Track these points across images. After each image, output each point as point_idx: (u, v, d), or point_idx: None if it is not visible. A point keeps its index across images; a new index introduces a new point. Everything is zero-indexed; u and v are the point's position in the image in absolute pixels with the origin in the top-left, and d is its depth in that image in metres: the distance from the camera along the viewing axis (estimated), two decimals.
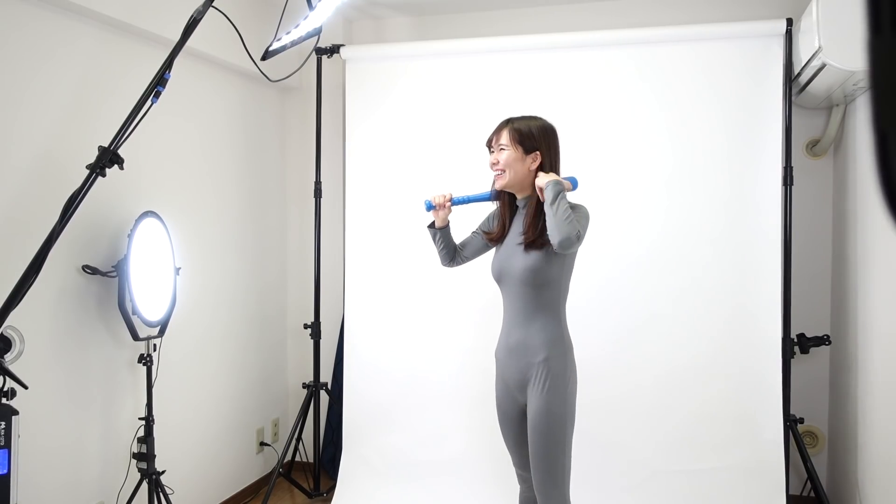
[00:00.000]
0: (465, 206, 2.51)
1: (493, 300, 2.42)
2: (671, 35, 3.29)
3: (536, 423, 2.17)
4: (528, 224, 2.24)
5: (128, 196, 2.80)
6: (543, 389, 2.17)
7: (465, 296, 3.38)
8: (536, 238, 2.20)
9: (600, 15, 3.65)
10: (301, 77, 3.82)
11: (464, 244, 2.52)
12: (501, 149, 2.26)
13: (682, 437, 3.20)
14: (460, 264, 2.55)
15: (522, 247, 2.23)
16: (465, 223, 2.64)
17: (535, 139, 2.26)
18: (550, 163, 2.28)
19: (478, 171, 2.81)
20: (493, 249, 2.43)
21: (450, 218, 2.50)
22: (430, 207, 2.46)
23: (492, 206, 2.48)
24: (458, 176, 3.18)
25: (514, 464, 2.39)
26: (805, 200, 3.40)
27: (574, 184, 2.36)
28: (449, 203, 2.44)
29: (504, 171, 2.26)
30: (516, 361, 2.25)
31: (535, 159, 2.26)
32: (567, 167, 2.37)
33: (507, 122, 2.30)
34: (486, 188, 2.45)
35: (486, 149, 2.35)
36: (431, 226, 2.50)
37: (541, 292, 2.20)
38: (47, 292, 2.41)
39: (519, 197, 2.32)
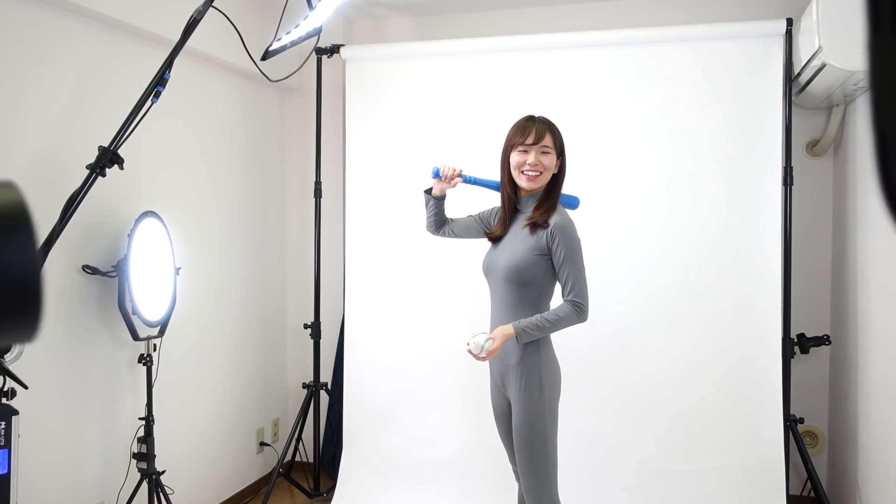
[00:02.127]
0: (472, 187, 2.49)
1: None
2: (671, 35, 3.29)
3: (517, 425, 2.20)
4: (535, 208, 2.26)
5: (128, 196, 2.80)
6: (520, 392, 2.20)
7: (465, 295, 3.38)
8: (539, 219, 2.22)
9: (600, 15, 3.65)
10: (301, 77, 3.82)
11: (456, 220, 2.53)
12: (546, 151, 2.24)
13: (681, 437, 3.20)
14: (446, 237, 2.56)
15: (527, 230, 2.24)
16: (466, 206, 2.62)
17: (564, 147, 2.31)
18: (565, 167, 2.31)
19: (478, 170, 2.80)
20: (486, 242, 2.44)
21: (450, 192, 2.49)
22: (435, 175, 2.44)
23: (495, 196, 2.47)
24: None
25: (510, 460, 2.41)
26: (805, 200, 3.40)
27: (575, 203, 2.38)
28: (458, 178, 2.42)
29: (542, 174, 2.24)
30: (498, 361, 2.30)
31: (557, 166, 2.29)
32: (568, 167, 2.37)
33: (545, 124, 2.27)
34: (496, 176, 2.43)
35: (513, 144, 2.27)
36: (428, 192, 2.49)
37: (523, 291, 2.22)
38: (47, 292, 2.41)
39: (524, 196, 2.32)
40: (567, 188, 2.35)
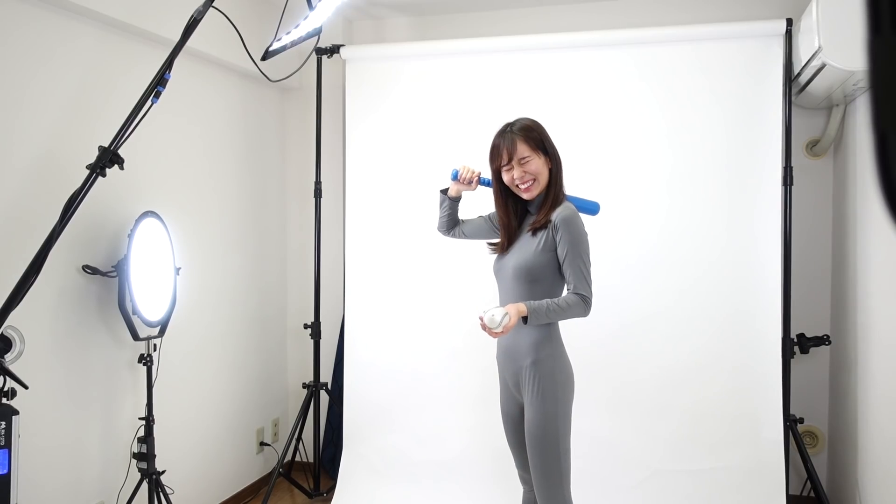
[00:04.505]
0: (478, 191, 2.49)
1: (494, 299, 2.42)
2: (671, 35, 3.29)
3: (531, 428, 2.19)
4: (538, 211, 2.26)
5: (128, 196, 2.80)
6: (535, 394, 2.18)
7: (465, 295, 3.38)
8: (538, 223, 2.22)
9: (600, 15, 3.65)
10: (301, 77, 3.82)
11: (467, 221, 2.52)
12: (526, 160, 2.20)
13: (682, 437, 3.20)
14: (456, 237, 2.54)
15: (530, 234, 2.23)
16: (478, 208, 2.62)
17: (544, 138, 2.27)
18: (557, 160, 2.28)
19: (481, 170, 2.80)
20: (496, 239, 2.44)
21: (465, 194, 2.48)
22: (454, 178, 2.42)
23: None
24: None
25: (516, 465, 2.39)
26: (805, 200, 3.40)
27: (595, 209, 2.36)
28: (476, 180, 2.40)
29: (535, 181, 2.22)
30: (511, 364, 2.28)
31: (548, 162, 2.26)
32: (568, 167, 2.36)
33: (512, 133, 2.23)
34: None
35: (496, 167, 2.26)
36: (444, 191, 2.47)
37: (533, 287, 2.20)
38: (47, 292, 2.41)
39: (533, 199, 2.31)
40: (569, 188, 2.34)
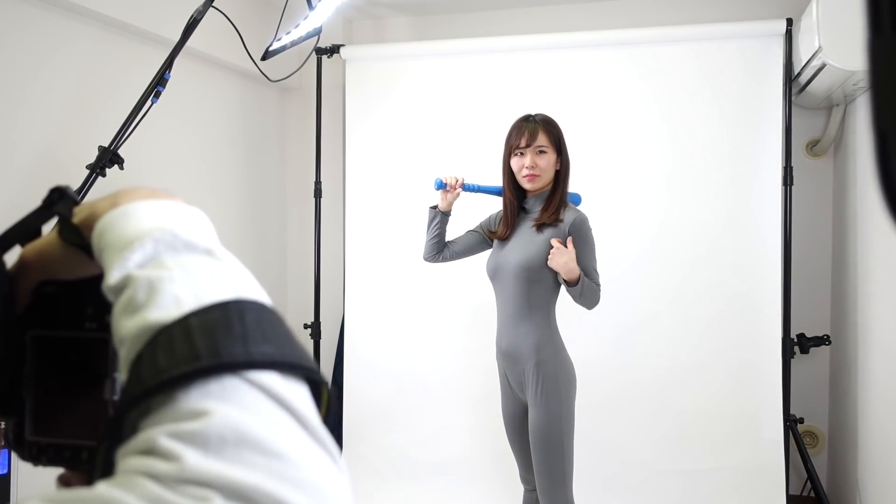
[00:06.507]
0: (472, 196, 2.49)
1: (494, 299, 2.42)
2: (671, 35, 3.29)
3: (535, 429, 2.19)
4: (543, 209, 2.27)
5: None
6: (539, 395, 2.19)
7: (465, 295, 3.38)
8: (548, 219, 2.24)
9: (600, 15, 3.65)
10: (301, 77, 3.81)
11: (455, 240, 2.50)
12: (542, 151, 2.23)
13: (681, 437, 3.20)
14: (446, 260, 2.50)
15: (533, 230, 2.24)
16: (465, 222, 2.62)
17: (562, 138, 2.29)
18: (566, 163, 2.30)
19: (479, 170, 2.80)
20: (489, 250, 2.43)
21: (454, 206, 2.48)
22: (440, 186, 2.42)
23: (497, 201, 2.47)
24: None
25: (519, 465, 2.39)
26: (805, 200, 3.40)
27: (577, 201, 2.38)
28: (459, 187, 2.41)
29: (540, 175, 2.24)
30: (512, 365, 2.28)
31: (558, 163, 2.28)
32: (571, 163, 2.36)
33: (538, 123, 2.26)
34: (496, 182, 2.43)
35: (510, 147, 2.28)
36: (434, 207, 2.47)
37: (531, 288, 2.21)
38: None
39: (531, 196, 2.31)
40: (569, 187, 2.35)
